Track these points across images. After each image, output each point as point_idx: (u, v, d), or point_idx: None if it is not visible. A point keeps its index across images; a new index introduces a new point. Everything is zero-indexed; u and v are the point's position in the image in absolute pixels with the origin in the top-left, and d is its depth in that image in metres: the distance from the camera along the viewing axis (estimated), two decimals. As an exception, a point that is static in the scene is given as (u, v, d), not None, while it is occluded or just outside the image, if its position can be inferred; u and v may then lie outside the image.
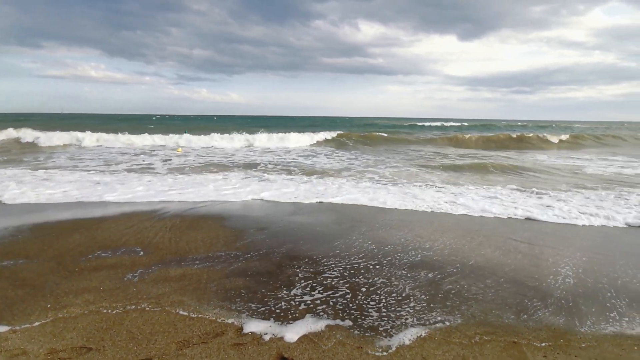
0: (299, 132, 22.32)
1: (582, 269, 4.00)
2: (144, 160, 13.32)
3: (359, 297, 3.32)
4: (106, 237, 4.83)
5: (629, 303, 3.24)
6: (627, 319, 2.99)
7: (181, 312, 3.01)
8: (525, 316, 3.02)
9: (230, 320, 2.89)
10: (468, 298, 3.31)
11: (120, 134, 19.61)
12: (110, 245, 4.55)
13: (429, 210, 6.50)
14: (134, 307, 3.09)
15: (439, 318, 2.97)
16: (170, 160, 13.63)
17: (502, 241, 4.94)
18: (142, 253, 4.29)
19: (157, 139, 19.32)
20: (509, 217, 6.15)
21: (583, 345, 2.63)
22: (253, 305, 3.14)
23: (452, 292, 3.43)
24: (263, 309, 3.09)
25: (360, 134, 24.13)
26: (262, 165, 12.60)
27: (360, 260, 4.15)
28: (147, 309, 3.06)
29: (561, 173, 11.58)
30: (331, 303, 3.20)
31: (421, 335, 2.74)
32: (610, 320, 2.97)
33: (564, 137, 26.38)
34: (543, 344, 2.63)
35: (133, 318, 2.92)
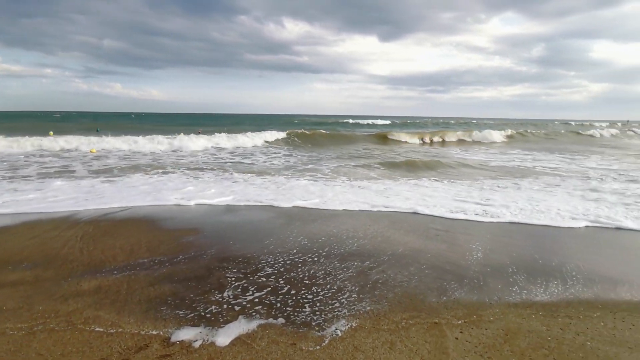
0: (230, 130, 21.62)
1: (489, 252, 4.47)
2: (52, 163, 11.88)
3: (293, 293, 3.33)
4: (4, 251, 4.22)
5: (527, 277, 3.70)
6: (525, 291, 3.41)
7: (97, 329, 2.75)
8: (445, 298, 3.28)
9: (155, 332, 2.71)
10: (394, 285, 3.51)
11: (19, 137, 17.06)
12: (9, 259, 3.99)
13: (366, 207, 6.74)
14: (41, 327, 2.75)
15: (369, 307, 3.11)
16: (87, 162, 12.34)
17: (423, 231, 5.31)
18: (48, 267, 3.83)
19: (67, 140, 17.04)
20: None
21: (492, 319, 2.94)
22: (181, 313, 2.98)
23: (380, 281, 3.60)
24: (192, 315, 2.95)
25: (297, 131, 23.98)
26: (193, 164, 12.00)
27: (293, 257, 4.16)
28: (57, 328, 2.74)
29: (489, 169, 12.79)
30: (264, 302, 3.17)
31: (352, 325, 2.84)
32: (513, 294, 3.36)
33: (502, 135, 28.18)
34: (459, 322, 2.89)
35: (41, 339, 2.60)
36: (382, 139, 24.29)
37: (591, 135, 32.70)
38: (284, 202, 6.77)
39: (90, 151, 14.99)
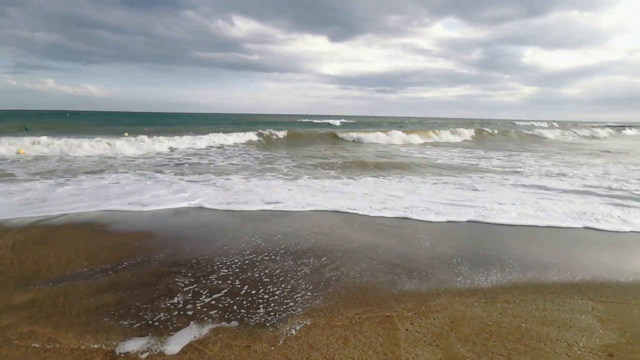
0: (177, 131, 20.62)
1: (435, 244, 4.70)
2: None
3: (247, 294, 3.28)
4: None
5: (470, 268, 3.94)
6: (469, 281, 3.63)
7: (34, 345, 2.53)
8: (395, 291, 3.40)
9: (97, 345, 2.55)
10: (348, 282, 3.58)
11: None
12: None
13: (321, 207, 6.78)
14: (-38, 349, 2.47)
15: (323, 305, 3.14)
16: (21, 165, 11.23)
17: (373, 226, 5.46)
18: (-30, 281, 3.45)
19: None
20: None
21: (439, 308, 3.10)
22: (126, 323, 2.82)
23: (334, 278, 3.65)
24: (139, 325, 2.80)
25: (263, 132, 23.42)
26: (141, 166, 11.36)
27: (247, 257, 4.09)
28: (-17, 348, 2.48)
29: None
30: (218, 306, 3.09)
31: (307, 323, 2.85)
32: (458, 283, 3.57)
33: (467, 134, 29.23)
34: (410, 314, 3.01)
35: (-39, 364, 2.34)
36: (343, 140, 24.60)
37: (538, 135, 34.49)
38: (238, 204, 6.64)
39: (18, 152, 13.69)
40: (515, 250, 4.49)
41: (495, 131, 33.66)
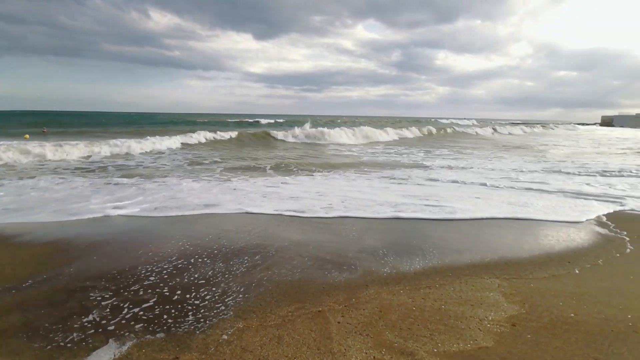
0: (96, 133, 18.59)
1: (363, 238, 4.91)
2: None
3: (174, 303, 3.11)
4: None
5: (395, 258, 4.18)
6: (395, 270, 3.85)
7: None
8: (326, 286, 3.49)
9: (-4, 376, 2.24)
10: (280, 281, 3.58)
11: None
12: None
13: (252, 209, 6.64)
14: None
15: (255, 306, 3.10)
16: None
17: (305, 225, 5.53)
18: None
19: None
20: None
21: (368, 299, 3.24)
22: (37, 346, 2.51)
23: (265, 278, 3.63)
24: (49, 347, 2.52)
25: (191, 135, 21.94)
26: (59, 170, 10.10)
27: (174, 263, 3.88)
28: None
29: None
30: (141, 318, 2.89)
31: (239, 326, 2.80)
32: (385, 274, 3.76)
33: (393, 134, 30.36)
34: (340, 306, 3.11)
35: None
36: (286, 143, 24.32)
37: (472, 133, 37.36)
38: (167, 209, 6.26)
39: (24, 137, 11.45)
40: (436, 240, 4.87)
41: (442, 131, 35.88)
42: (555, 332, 2.74)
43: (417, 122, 56.18)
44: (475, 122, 59.09)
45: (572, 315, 2.97)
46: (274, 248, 4.44)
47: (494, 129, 41.21)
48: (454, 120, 61.41)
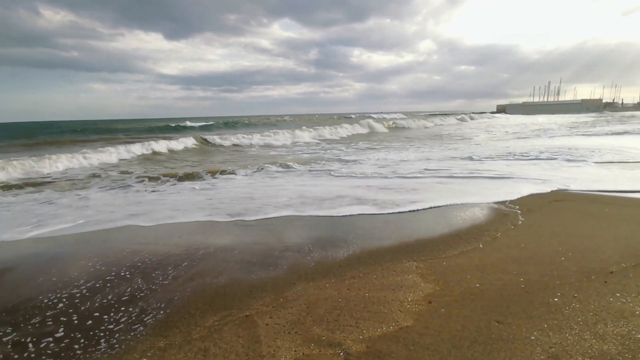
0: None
1: (287, 237, 4.93)
2: None
3: (84, 331, 2.82)
4: None
5: (321, 253, 4.26)
6: (321, 265, 3.92)
7: None
8: (253, 289, 3.43)
9: None
10: (204, 290, 3.43)
11: None
12: None
13: (170, 219, 6.25)
14: None
15: (178, 320, 2.94)
16: None
17: (230, 229, 5.38)
18: None
19: None
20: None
21: (295, 297, 3.26)
22: None
23: (189, 289, 3.46)
24: None
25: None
26: None
27: (83, 286, 3.50)
28: None
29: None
30: (46, 353, 2.56)
31: (161, 345, 2.63)
32: (311, 269, 3.81)
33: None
34: (268, 308, 3.08)
35: None
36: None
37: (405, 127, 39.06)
38: (74, 226, 5.62)
39: None
40: (359, 231, 5.07)
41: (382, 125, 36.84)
42: (464, 303, 3.03)
43: (345, 118, 57.66)
44: (402, 115, 62.55)
45: (478, 285, 3.31)
46: (198, 256, 4.25)
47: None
48: (373, 115, 64.37)
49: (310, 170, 10.57)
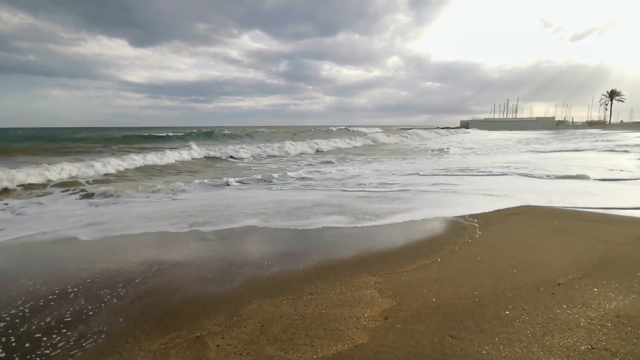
0: None
1: (250, 248, 4.80)
2: None
3: (13, 357, 2.57)
4: None
5: (280, 267, 4.16)
6: (279, 281, 3.82)
7: None
8: (206, 307, 3.28)
9: None
10: (153, 311, 3.25)
11: None
12: None
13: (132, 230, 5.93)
14: None
15: (120, 345, 2.75)
16: None
17: (185, 243, 5.18)
18: None
19: None
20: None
21: (250, 315, 3.14)
22: None
23: (137, 309, 3.26)
24: None
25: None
26: None
27: (16, 310, 3.22)
28: None
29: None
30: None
31: (99, 373, 2.44)
32: (269, 285, 3.70)
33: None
34: (221, 328, 2.95)
35: None
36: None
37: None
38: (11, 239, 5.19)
39: None
40: (320, 245, 5.02)
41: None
42: (420, 318, 3.03)
43: (326, 131, 57.44)
44: (379, 129, 63.69)
45: (434, 299, 3.33)
46: (150, 273, 4.04)
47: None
48: (343, 127, 65.24)
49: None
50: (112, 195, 8.71)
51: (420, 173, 11.94)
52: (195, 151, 19.79)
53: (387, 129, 65.50)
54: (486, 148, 25.06)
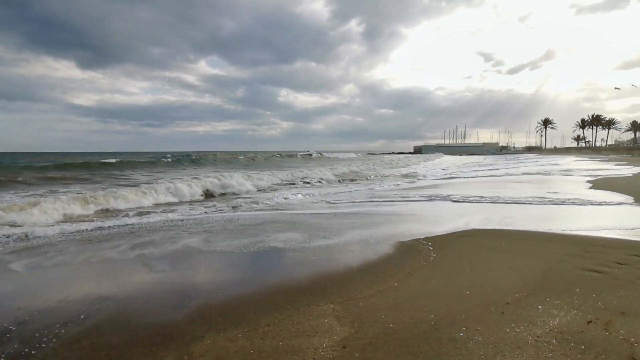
0: None
1: (202, 279, 4.60)
2: None
3: None
4: None
5: (235, 298, 4.01)
6: (234, 313, 3.66)
7: None
8: (154, 347, 3.06)
9: None
10: (94, 353, 2.97)
11: None
12: None
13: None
14: None
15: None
16: None
17: (128, 275, 4.87)
18: None
19: None
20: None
21: (203, 353, 2.96)
22: None
23: (72, 355, 2.97)
24: None
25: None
26: None
27: None
28: None
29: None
30: None
31: None
32: (223, 319, 3.54)
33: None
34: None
35: None
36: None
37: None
38: None
39: None
40: (277, 270, 4.91)
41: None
42: (378, 345, 3.01)
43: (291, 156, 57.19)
44: (354, 154, 64.99)
45: (391, 325, 3.34)
46: (93, 311, 3.72)
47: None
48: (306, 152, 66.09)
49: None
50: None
51: (375, 199, 12.22)
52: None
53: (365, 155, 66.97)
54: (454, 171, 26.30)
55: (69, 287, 4.46)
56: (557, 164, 31.25)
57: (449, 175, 22.44)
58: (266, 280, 4.59)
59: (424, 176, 22.66)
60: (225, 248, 6.04)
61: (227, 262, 5.42)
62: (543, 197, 10.91)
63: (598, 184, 14.63)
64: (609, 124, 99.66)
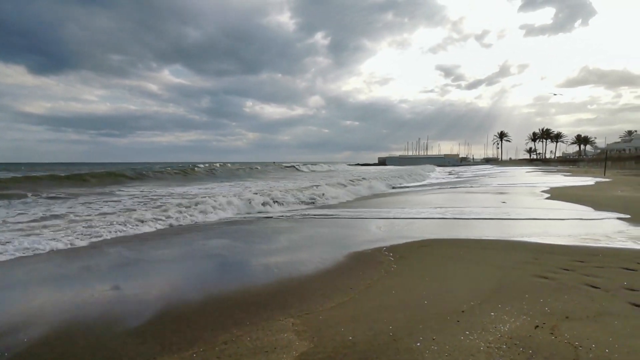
0: None
1: (154, 296, 4.40)
2: None
3: None
4: None
5: (190, 314, 3.86)
6: (190, 331, 3.53)
7: None
8: None
9: None
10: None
11: None
12: None
13: None
14: None
15: None
16: None
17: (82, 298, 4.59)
18: None
19: None
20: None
21: (194, 355, 2.82)
22: None
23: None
24: None
25: None
26: None
27: None
28: None
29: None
30: None
31: None
32: (179, 338, 3.40)
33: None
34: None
35: None
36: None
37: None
38: None
39: None
40: (236, 287, 4.80)
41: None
42: (336, 359, 2.99)
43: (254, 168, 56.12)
44: (329, 167, 65.19)
45: (350, 338, 3.33)
46: (27, 332, 3.45)
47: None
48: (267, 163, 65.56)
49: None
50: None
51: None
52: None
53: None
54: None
55: None
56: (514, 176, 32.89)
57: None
58: (221, 295, 4.46)
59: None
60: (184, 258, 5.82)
61: (190, 271, 5.23)
62: (498, 207, 11.45)
63: (554, 193, 15.59)
64: (557, 137, 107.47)
